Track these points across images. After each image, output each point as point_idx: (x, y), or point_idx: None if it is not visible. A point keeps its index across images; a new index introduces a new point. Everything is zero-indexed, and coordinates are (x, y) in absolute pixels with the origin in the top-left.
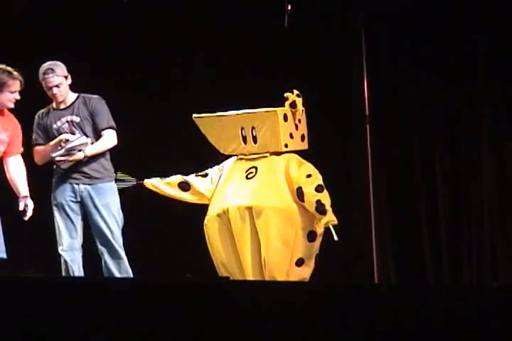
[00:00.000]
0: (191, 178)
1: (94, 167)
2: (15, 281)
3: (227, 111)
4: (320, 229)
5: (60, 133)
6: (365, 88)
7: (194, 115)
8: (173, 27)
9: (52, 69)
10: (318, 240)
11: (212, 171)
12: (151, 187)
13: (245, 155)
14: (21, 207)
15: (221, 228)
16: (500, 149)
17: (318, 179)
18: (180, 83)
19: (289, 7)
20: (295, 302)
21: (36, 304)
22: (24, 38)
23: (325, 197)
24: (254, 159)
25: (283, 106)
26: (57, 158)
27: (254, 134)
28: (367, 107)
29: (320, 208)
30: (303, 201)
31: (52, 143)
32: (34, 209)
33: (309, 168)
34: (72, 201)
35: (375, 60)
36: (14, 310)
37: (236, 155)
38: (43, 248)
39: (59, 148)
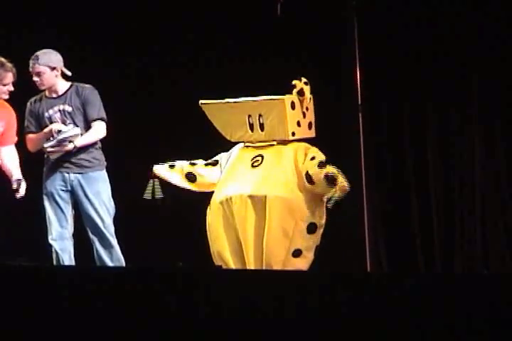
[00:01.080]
0: (200, 169)
1: (85, 156)
2: (5, 269)
3: (233, 98)
4: (321, 221)
5: (52, 122)
6: (358, 77)
7: (201, 101)
8: (177, 12)
9: (37, 56)
10: (319, 232)
11: (222, 158)
12: (158, 174)
13: (252, 142)
14: (14, 186)
15: (223, 216)
16: (493, 137)
17: (320, 157)
18: (185, 70)
19: None
20: (287, 291)
21: (27, 293)
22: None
23: (331, 169)
24: (260, 147)
25: (290, 93)
26: (49, 149)
27: (261, 122)
28: (359, 96)
29: (330, 178)
30: (313, 183)
31: (44, 131)
32: (26, 198)
33: (313, 151)
34: (63, 190)
35: (368, 48)
36: (4, 298)
37: (243, 142)
38: (35, 237)
39: (51, 138)
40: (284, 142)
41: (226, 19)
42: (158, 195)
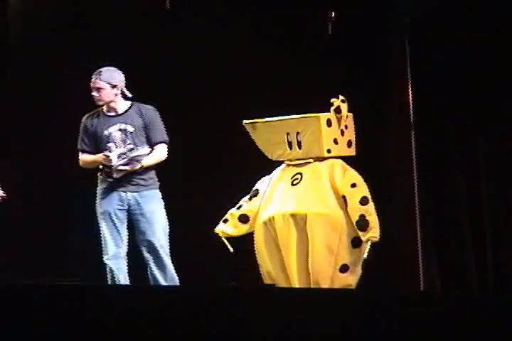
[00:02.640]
0: (245, 206)
1: (141, 176)
2: (60, 289)
3: (276, 116)
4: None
5: (109, 141)
6: (410, 93)
7: (245, 121)
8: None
9: (100, 72)
10: (364, 246)
11: (263, 182)
12: (221, 234)
13: (291, 161)
14: None
15: (267, 236)
16: None
17: (362, 190)
18: (228, 90)
19: (333, 14)
20: (340, 310)
21: (83, 312)
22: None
23: (370, 212)
24: (299, 165)
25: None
26: (120, 168)
27: (298, 140)
28: (411, 114)
29: (361, 224)
30: (346, 209)
31: (103, 156)
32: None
33: (354, 175)
34: (119, 209)
35: (419, 63)
36: (62, 317)
37: (283, 160)
38: (87, 257)
39: (122, 156)
40: (321, 159)
41: (275, 37)
42: (230, 248)
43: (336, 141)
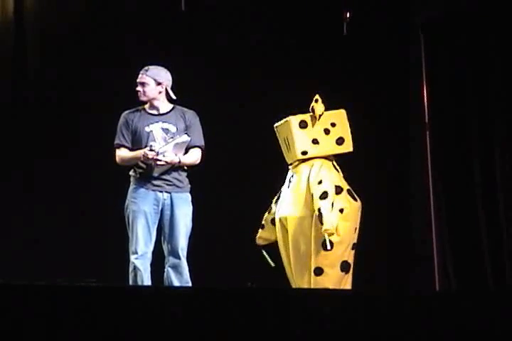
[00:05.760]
0: (272, 209)
1: (177, 176)
2: (79, 290)
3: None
4: (339, 237)
5: (148, 137)
6: (425, 94)
7: (276, 124)
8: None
9: (148, 68)
10: (339, 248)
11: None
12: (261, 242)
13: (291, 164)
14: None
15: (279, 238)
16: None
17: (326, 185)
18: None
19: (348, 15)
20: (354, 309)
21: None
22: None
23: (324, 206)
24: (294, 167)
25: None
26: (161, 158)
27: (286, 143)
28: (426, 114)
29: (319, 218)
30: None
31: (144, 153)
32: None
33: (324, 174)
34: (155, 209)
35: (434, 64)
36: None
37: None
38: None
39: (164, 141)
40: (304, 160)
41: (291, 39)
42: (272, 263)
43: (315, 141)
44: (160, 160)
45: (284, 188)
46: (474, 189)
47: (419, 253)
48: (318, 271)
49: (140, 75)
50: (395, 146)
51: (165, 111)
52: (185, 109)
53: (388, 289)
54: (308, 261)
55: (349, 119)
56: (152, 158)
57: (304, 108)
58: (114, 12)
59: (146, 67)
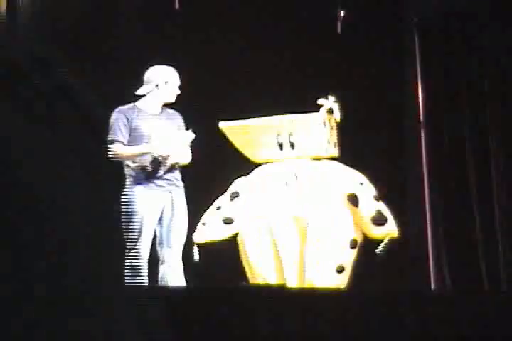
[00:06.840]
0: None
1: (176, 176)
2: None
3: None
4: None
5: (145, 136)
6: (419, 94)
7: (221, 123)
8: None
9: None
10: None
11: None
12: None
13: (281, 161)
14: None
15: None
16: None
17: (372, 187)
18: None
19: (342, 13)
20: (348, 309)
21: None
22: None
23: (384, 208)
24: (292, 165)
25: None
26: (171, 148)
27: (291, 140)
28: (421, 113)
29: (380, 217)
30: (357, 207)
31: (143, 150)
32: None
33: (359, 175)
34: (156, 209)
35: (429, 64)
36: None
37: (270, 162)
38: None
39: (170, 141)
40: (318, 159)
41: (284, 36)
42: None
43: (328, 141)
44: (165, 161)
45: (278, 186)
46: (470, 188)
47: (414, 254)
48: (340, 269)
49: (178, 78)
50: (388, 146)
51: (159, 112)
52: (171, 110)
53: (383, 289)
54: (330, 259)
55: (343, 118)
56: (165, 157)
57: (298, 107)
58: (110, 12)
59: (172, 68)
